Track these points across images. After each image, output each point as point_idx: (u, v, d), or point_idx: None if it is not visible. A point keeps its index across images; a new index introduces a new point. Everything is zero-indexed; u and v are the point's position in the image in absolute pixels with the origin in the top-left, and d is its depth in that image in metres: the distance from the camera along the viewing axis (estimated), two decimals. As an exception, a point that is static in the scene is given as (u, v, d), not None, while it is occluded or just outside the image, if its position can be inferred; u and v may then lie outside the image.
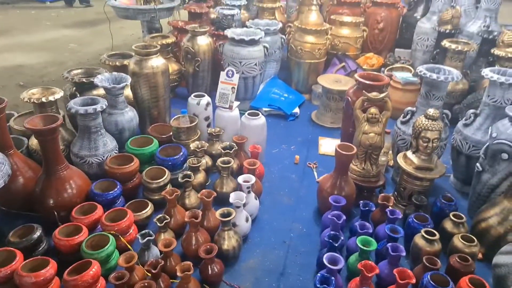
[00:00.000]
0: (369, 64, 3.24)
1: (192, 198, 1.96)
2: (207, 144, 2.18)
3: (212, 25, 3.42)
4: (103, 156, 2.05)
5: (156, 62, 2.37)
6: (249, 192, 1.87)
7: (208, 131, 2.28)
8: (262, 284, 1.62)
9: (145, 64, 2.34)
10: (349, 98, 2.13)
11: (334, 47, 3.32)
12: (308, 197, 2.11)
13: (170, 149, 2.18)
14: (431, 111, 1.75)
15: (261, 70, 2.99)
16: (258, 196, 2.01)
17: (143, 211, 1.86)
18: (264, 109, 3.00)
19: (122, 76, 2.23)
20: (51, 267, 1.44)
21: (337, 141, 2.65)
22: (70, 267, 1.45)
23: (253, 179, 1.89)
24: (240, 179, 1.88)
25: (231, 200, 1.75)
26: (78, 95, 2.21)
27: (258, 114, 2.30)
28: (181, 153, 2.13)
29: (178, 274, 1.45)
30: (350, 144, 1.86)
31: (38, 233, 1.62)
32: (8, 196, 1.80)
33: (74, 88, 2.23)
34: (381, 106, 1.91)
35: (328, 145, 2.64)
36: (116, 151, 2.12)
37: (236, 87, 2.31)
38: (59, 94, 2.04)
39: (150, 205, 1.90)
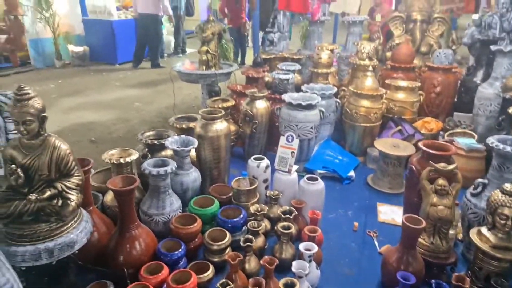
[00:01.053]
0: (427, 129, 3.20)
1: (252, 263, 1.97)
2: (267, 208, 2.22)
3: (267, 88, 3.61)
4: (169, 215, 2.15)
5: (220, 126, 2.53)
6: (310, 261, 1.85)
7: (267, 194, 2.33)
8: None
9: (210, 127, 2.50)
10: (413, 167, 2.10)
11: (390, 111, 3.35)
12: (371, 269, 2.04)
13: (230, 210, 2.24)
14: (508, 187, 1.68)
15: (317, 133, 3.07)
16: (318, 265, 1.98)
17: (205, 274, 1.88)
18: (319, 171, 3.02)
19: (189, 139, 2.39)
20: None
21: (397, 209, 2.60)
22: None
23: (315, 247, 1.88)
24: (302, 247, 1.88)
25: (293, 269, 1.74)
26: (149, 156, 2.39)
27: (317, 179, 2.33)
28: (241, 215, 2.18)
29: None
30: (418, 217, 1.81)
31: (108, 291, 1.70)
32: (84, 250, 1.92)
33: (147, 149, 2.41)
34: (449, 177, 1.87)
35: (388, 213, 2.57)
36: (180, 211, 2.22)
37: (295, 151, 2.39)
38: (134, 155, 2.21)
39: (212, 268, 1.92)
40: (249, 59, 7.73)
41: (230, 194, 2.39)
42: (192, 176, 2.37)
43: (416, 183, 2.06)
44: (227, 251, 2.06)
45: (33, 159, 1.54)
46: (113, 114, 5.01)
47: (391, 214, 2.56)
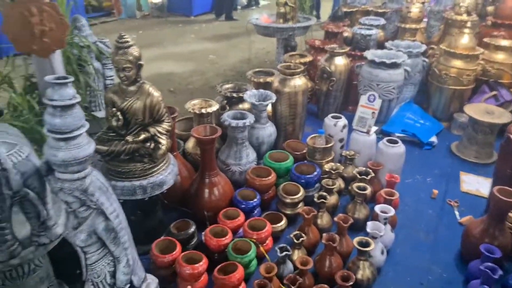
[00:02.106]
0: (528, 95, 2.86)
1: (324, 219, 1.99)
2: (342, 167, 2.20)
3: (347, 44, 3.43)
4: (245, 166, 2.23)
5: (298, 81, 2.49)
6: (385, 223, 1.83)
7: (343, 154, 2.29)
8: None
9: (288, 83, 2.48)
10: (511, 136, 1.91)
11: (485, 74, 3.02)
12: (449, 238, 1.96)
13: (304, 166, 2.26)
14: None
15: (399, 94, 2.89)
16: (393, 228, 1.94)
17: (279, 224, 1.95)
18: (397, 134, 2.88)
19: (267, 94, 2.39)
20: (204, 263, 1.63)
21: (484, 180, 2.42)
22: (218, 266, 1.62)
23: (391, 210, 1.84)
24: (377, 208, 1.85)
25: (368, 229, 1.74)
26: (228, 108, 2.45)
27: (397, 142, 2.23)
28: (316, 172, 2.18)
29: (315, 294, 1.50)
30: (511, 189, 1.67)
31: (192, 229, 1.85)
32: (169, 191, 2.09)
33: (225, 101, 2.48)
34: (554, 150, 1.68)
35: (473, 183, 2.41)
36: (255, 163, 2.29)
37: (376, 112, 2.29)
38: (215, 106, 2.29)
39: (285, 219, 1.99)
40: (324, 12, 7.37)
41: (304, 151, 2.39)
42: (268, 131, 2.40)
43: (512, 154, 1.88)
44: (299, 205, 2.11)
45: (130, 103, 1.66)
46: (189, 66, 5.17)
47: (475, 184, 2.40)
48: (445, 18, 3.35)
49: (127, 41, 1.57)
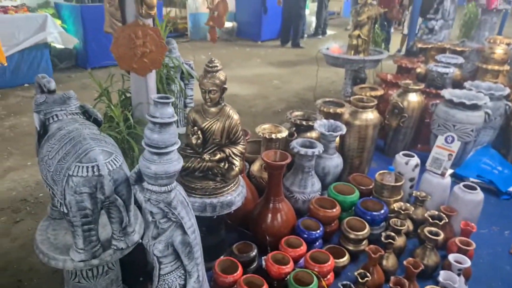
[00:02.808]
0: None
1: (390, 261, 1.91)
2: (412, 208, 2.10)
3: (419, 81, 3.34)
4: (309, 195, 2.22)
5: (370, 115, 2.46)
6: (459, 274, 1.71)
7: (413, 194, 2.20)
8: None
9: (359, 116, 2.46)
10: None
11: None
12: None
13: (370, 202, 2.20)
14: None
15: (476, 137, 2.74)
16: (466, 281, 1.81)
17: (341, 259, 1.90)
18: (471, 179, 2.71)
19: (337, 124, 2.39)
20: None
21: None
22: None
23: (467, 261, 1.72)
24: (451, 258, 1.74)
25: (440, 278, 1.63)
26: (296, 135, 2.48)
27: (475, 188, 2.10)
28: (383, 210, 2.11)
29: None
30: None
31: (254, 252, 1.86)
32: (233, 212, 2.14)
33: (294, 128, 2.51)
34: None
35: (558, 242, 2.18)
36: (319, 193, 2.27)
37: (454, 154, 2.18)
38: (284, 133, 2.32)
39: (347, 255, 1.93)
40: (393, 47, 7.27)
41: (371, 187, 2.33)
42: (335, 161, 2.38)
43: None
44: (363, 243, 2.04)
45: (210, 124, 1.74)
46: (253, 89, 5.31)
47: (562, 245, 2.17)
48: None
49: (216, 66, 1.67)
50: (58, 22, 5.39)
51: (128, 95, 1.79)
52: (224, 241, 2.04)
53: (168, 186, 1.26)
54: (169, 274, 1.36)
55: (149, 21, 1.60)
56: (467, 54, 3.76)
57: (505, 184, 2.67)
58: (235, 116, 1.76)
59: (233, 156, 1.75)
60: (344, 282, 1.67)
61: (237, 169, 1.75)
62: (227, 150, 1.76)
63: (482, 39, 3.86)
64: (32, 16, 5.00)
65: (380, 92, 3.09)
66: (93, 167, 1.31)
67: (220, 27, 2.55)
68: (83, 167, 1.30)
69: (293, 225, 2.07)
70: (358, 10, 3.70)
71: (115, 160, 1.38)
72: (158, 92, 1.74)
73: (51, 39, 5.11)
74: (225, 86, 1.70)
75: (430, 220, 1.98)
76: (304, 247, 1.89)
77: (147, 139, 1.20)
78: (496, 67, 3.17)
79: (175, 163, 1.24)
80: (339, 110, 2.69)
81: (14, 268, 2.15)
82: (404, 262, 1.71)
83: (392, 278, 1.63)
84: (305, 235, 1.98)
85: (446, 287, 1.60)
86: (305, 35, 8.88)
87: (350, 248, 2.02)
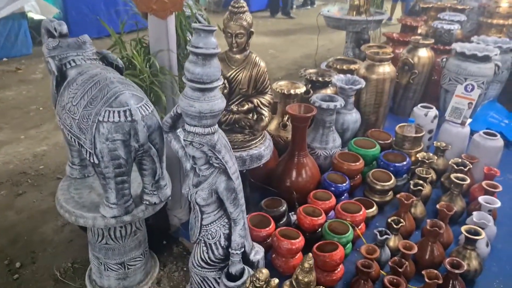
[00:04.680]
0: None
1: (418, 209, 1.90)
2: (436, 157, 2.08)
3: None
4: (331, 151, 2.17)
5: (387, 68, 2.40)
6: (490, 215, 1.70)
7: (435, 144, 2.17)
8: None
9: (376, 70, 2.39)
10: None
11: None
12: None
13: (392, 155, 2.17)
14: None
15: (486, 89, 2.73)
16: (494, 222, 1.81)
17: (370, 210, 1.87)
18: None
19: (355, 79, 2.32)
20: (302, 239, 1.58)
21: None
22: (317, 244, 1.56)
23: (496, 201, 1.72)
24: (482, 199, 1.74)
25: (474, 219, 1.63)
26: (312, 92, 2.40)
27: (495, 135, 2.09)
28: (406, 161, 2.08)
29: (426, 280, 1.40)
30: None
31: (284, 207, 1.81)
32: (255, 169, 2.06)
33: (310, 85, 2.42)
34: None
35: None
36: (340, 148, 2.22)
37: (474, 102, 2.15)
38: (302, 88, 2.24)
39: (375, 205, 1.91)
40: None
41: (389, 141, 2.30)
42: (353, 117, 2.33)
43: None
44: (389, 193, 2.02)
45: (236, 72, 1.64)
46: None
47: None
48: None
49: (243, 6, 1.56)
50: (35, -10, 5.05)
51: (144, 44, 1.66)
52: (249, 199, 1.96)
53: (212, 128, 1.17)
54: (212, 224, 1.28)
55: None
56: (467, 12, 3.72)
57: (516, 135, 2.69)
58: (262, 64, 1.66)
59: (261, 106, 1.67)
60: (380, 229, 1.64)
61: (266, 119, 1.67)
62: (255, 100, 1.67)
63: (483, -4, 3.81)
64: (7, -18, 4.65)
65: (389, 49, 3.03)
66: (125, 111, 1.20)
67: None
68: (114, 111, 1.19)
69: (318, 180, 2.02)
70: (360, -32, 3.59)
71: (147, 105, 1.27)
72: (178, 39, 1.62)
73: (28, 8, 4.78)
74: (252, 29, 1.60)
75: (456, 167, 1.97)
76: (333, 199, 1.85)
77: (190, 73, 1.10)
78: (501, 21, 3.15)
79: (220, 100, 1.14)
80: (352, 67, 2.62)
81: (25, 240, 2.04)
82: (438, 206, 1.69)
83: (428, 221, 1.61)
84: (332, 188, 1.93)
85: (481, 227, 1.59)
86: (294, 6, 8.69)
87: (376, 199, 1.99)
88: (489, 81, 2.69)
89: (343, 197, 1.98)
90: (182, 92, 1.18)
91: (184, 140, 1.18)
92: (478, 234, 1.54)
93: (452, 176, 1.91)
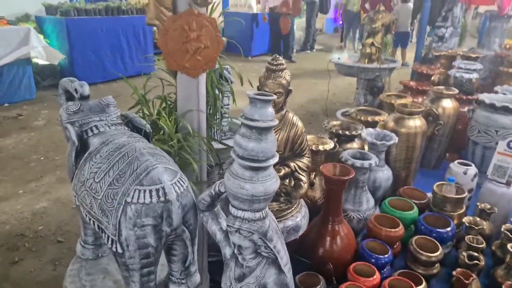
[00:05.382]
0: None
1: (474, 286, 1.67)
2: (484, 223, 1.89)
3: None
4: (365, 213, 1.97)
5: (417, 122, 2.26)
6: None
7: (480, 207, 1.98)
8: None
9: (405, 123, 2.25)
10: None
11: None
12: None
13: (432, 218, 1.96)
14: None
15: (518, 143, 2.58)
16: None
17: (419, 287, 1.64)
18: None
19: (386, 133, 2.17)
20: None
21: None
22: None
23: None
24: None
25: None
26: (338, 147, 2.23)
27: (547, 197, 1.91)
28: (450, 226, 1.88)
29: None
30: None
31: (322, 285, 1.57)
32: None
33: (335, 139, 2.26)
34: None
35: None
36: (374, 210, 2.02)
37: (520, 161, 1.99)
38: (330, 144, 2.07)
39: (424, 282, 1.68)
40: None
41: (425, 201, 2.11)
42: (386, 174, 2.15)
43: None
44: (436, 265, 1.80)
45: (272, 134, 1.47)
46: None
47: None
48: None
49: (282, 64, 1.42)
50: (41, 36, 5.00)
51: (169, 102, 1.49)
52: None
53: (263, 212, 0.97)
54: (257, 325, 1.05)
55: (203, 10, 1.33)
56: (479, 60, 3.69)
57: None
58: (300, 124, 1.50)
59: (299, 171, 1.49)
60: (441, 316, 1.41)
61: (306, 185, 1.49)
62: (292, 164, 1.49)
63: (493, 45, 3.80)
64: (13, 29, 4.61)
65: (409, 99, 2.93)
66: (157, 190, 1.01)
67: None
68: (145, 190, 1.00)
69: (354, 248, 1.80)
70: (372, 17, 3.57)
71: (182, 181, 1.08)
72: (208, 98, 1.46)
73: (34, 54, 4.70)
74: (290, 88, 1.45)
75: (510, 235, 1.77)
76: (377, 275, 1.62)
77: (242, 149, 0.92)
78: (523, 71, 3.09)
79: (274, 180, 0.96)
80: (377, 118, 2.48)
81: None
82: (504, 287, 1.47)
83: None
84: (373, 260, 1.71)
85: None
86: (294, 50, 8.81)
87: (421, 271, 1.76)
88: (523, 134, 2.56)
89: (385, 270, 1.75)
90: (224, 164, 0.99)
91: (229, 226, 0.98)
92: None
93: (509, 246, 1.70)
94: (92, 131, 1.18)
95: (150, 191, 1.00)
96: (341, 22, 10.62)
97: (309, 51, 8.93)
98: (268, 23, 7.75)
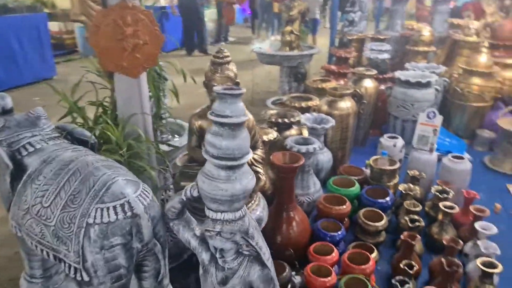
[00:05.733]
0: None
1: (417, 245, 1.84)
2: (418, 188, 2.08)
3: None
4: (313, 196, 2.04)
5: (348, 103, 2.39)
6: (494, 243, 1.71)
7: (410, 174, 2.18)
8: None
9: (338, 105, 2.37)
10: None
11: (499, 91, 3.15)
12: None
13: (372, 191, 2.11)
14: None
15: (429, 113, 2.90)
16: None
17: (373, 255, 1.76)
18: (433, 153, 2.86)
19: (323, 117, 2.26)
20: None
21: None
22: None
23: (493, 228, 1.74)
24: (478, 225, 1.75)
25: (483, 249, 1.62)
26: (279, 135, 2.26)
27: (462, 158, 2.18)
28: (389, 196, 2.04)
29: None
30: None
31: (287, 271, 1.59)
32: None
33: (275, 128, 2.29)
34: None
35: (527, 194, 2.41)
36: (320, 192, 2.10)
37: (438, 129, 2.23)
38: (273, 134, 2.09)
39: (376, 250, 1.80)
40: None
41: (362, 176, 2.26)
42: (327, 156, 2.25)
43: None
44: (382, 233, 1.94)
45: (224, 129, 1.43)
46: (185, 100, 4.83)
47: (530, 195, 2.40)
48: (453, 40, 3.49)
49: (228, 56, 1.37)
50: None
51: (105, 108, 1.35)
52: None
53: (243, 210, 0.94)
54: (245, 326, 1.02)
55: (137, 1, 1.22)
56: (386, 41, 4.04)
57: (460, 151, 2.87)
58: (251, 116, 1.48)
59: (256, 164, 1.47)
60: (398, 277, 1.53)
61: (264, 177, 1.47)
62: (248, 158, 1.46)
63: (396, 27, 4.18)
64: None
65: (333, 83, 3.08)
66: (122, 205, 0.91)
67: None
68: (108, 208, 0.90)
69: (309, 231, 1.86)
70: (289, 5, 3.68)
71: (146, 191, 0.99)
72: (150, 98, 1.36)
73: None
74: (237, 80, 1.41)
75: (440, 195, 1.98)
76: (336, 252, 1.70)
77: (216, 148, 0.87)
78: (426, 49, 3.45)
79: (252, 176, 0.93)
80: (310, 103, 2.57)
81: None
82: (444, 241, 1.64)
83: (443, 260, 1.54)
84: (329, 238, 1.79)
85: (490, 256, 1.58)
86: (209, 42, 8.70)
87: (370, 241, 1.90)
88: (432, 104, 2.87)
89: (339, 246, 1.84)
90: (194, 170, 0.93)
91: (207, 231, 0.93)
92: (493, 266, 1.51)
93: (441, 205, 1.91)
94: (26, 149, 1.01)
95: (114, 207, 0.90)
96: (249, 12, 10.74)
97: (223, 43, 8.90)
98: (182, 14, 7.53)
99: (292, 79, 3.86)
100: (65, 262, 0.91)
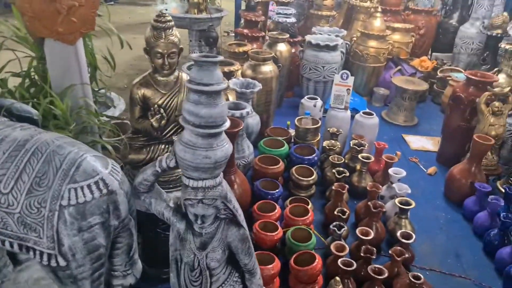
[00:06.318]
0: (424, 67, 3.53)
1: (345, 194, 2.08)
2: (338, 143, 2.32)
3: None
4: (248, 158, 2.12)
5: (270, 67, 2.48)
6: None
7: (330, 131, 2.41)
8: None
9: (261, 69, 2.44)
10: (461, 94, 2.36)
11: (390, 52, 3.59)
12: (427, 188, 2.34)
13: (299, 149, 2.29)
14: None
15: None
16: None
17: (309, 206, 1.95)
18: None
19: (249, 81, 2.31)
20: (277, 264, 1.52)
21: (422, 138, 2.92)
22: (292, 258, 1.54)
23: (402, 172, 2.06)
24: (391, 171, 2.05)
25: (397, 190, 1.91)
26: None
27: (372, 114, 2.48)
28: (315, 153, 2.24)
29: (397, 258, 1.58)
30: (486, 136, 2.09)
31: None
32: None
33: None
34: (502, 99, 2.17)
35: (416, 142, 2.88)
36: (253, 154, 2.20)
37: (351, 88, 2.48)
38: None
39: (310, 203, 1.99)
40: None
41: (288, 136, 2.42)
42: (255, 119, 2.33)
43: (462, 109, 2.35)
44: (312, 187, 2.14)
45: (170, 98, 1.38)
46: (104, 68, 4.42)
47: (419, 142, 2.87)
48: (350, 5, 3.79)
49: (170, 20, 1.30)
50: None
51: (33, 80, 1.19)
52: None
53: (220, 176, 0.96)
54: (225, 283, 1.08)
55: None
56: (290, 5, 4.19)
57: (363, 108, 3.25)
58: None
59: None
60: (335, 223, 1.73)
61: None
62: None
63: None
64: None
65: (248, 47, 3.12)
66: (96, 183, 0.85)
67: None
68: (82, 187, 0.83)
69: (250, 192, 1.95)
70: (195, -35, 3.52)
71: (115, 166, 0.93)
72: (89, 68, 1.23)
73: None
74: (181, 46, 1.36)
75: (357, 148, 2.24)
76: (278, 208, 1.83)
77: (197, 117, 0.86)
78: (328, 13, 3.69)
79: (228, 141, 0.95)
80: (232, 68, 2.58)
81: None
82: (368, 188, 1.90)
83: (370, 203, 1.79)
84: (269, 196, 1.91)
85: (403, 195, 1.89)
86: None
87: (303, 195, 2.08)
88: (339, 66, 3.14)
89: (278, 202, 1.99)
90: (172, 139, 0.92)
91: (188, 199, 0.93)
92: (408, 204, 1.82)
93: (360, 156, 2.17)
94: (-42, 131, 0.86)
95: (89, 186, 0.84)
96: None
97: (112, 3, 8.11)
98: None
99: (203, 43, 3.78)
100: (34, 250, 0.83)
